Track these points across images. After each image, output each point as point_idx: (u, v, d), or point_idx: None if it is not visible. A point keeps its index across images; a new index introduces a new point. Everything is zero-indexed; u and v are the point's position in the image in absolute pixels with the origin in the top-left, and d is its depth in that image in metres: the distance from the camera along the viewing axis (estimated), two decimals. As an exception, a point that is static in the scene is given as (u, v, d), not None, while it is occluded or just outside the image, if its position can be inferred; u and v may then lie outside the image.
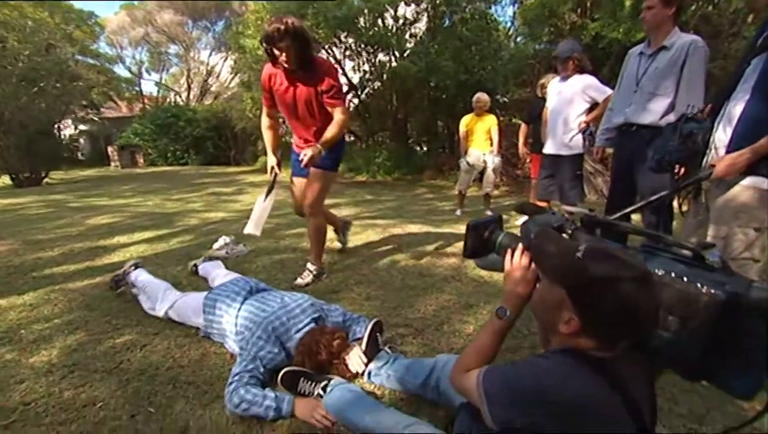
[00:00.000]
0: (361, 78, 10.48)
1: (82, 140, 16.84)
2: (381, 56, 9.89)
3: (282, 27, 2.16)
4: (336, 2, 8.06)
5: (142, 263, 2.61)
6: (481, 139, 5.07)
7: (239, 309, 1.80)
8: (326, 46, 9.81)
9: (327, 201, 6.74)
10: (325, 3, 8.03)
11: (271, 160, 2.65)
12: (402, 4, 9.34)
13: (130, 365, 1.77)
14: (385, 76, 9.81)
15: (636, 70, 2.36)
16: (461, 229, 4.24)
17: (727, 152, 1.49)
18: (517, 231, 1.12)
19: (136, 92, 19.78)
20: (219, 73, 21.60)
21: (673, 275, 0.78)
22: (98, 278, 2.77)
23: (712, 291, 0.74)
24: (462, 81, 8.40)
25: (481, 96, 5.07)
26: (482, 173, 5.17)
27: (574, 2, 8.06)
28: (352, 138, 12.31)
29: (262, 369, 1.55)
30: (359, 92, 10.80)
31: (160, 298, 2.16)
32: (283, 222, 4.53)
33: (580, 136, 3.29)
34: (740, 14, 6.78)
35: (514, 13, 10.72)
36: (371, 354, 1.63)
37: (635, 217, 2.49)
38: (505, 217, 4.79)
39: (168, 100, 21.71)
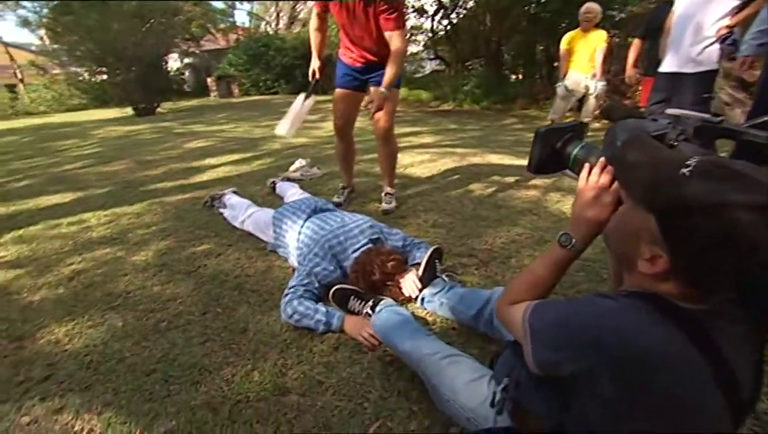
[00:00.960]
0: (451, -3, 9.56)
1: (187, 73, 18.11)
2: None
3: None
4: None
5: (239, 191, 2.79)
6: (584, 60, 4.29)
7: (302, 226, 1.83)
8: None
9: (406, 129, 6.54)
10: None
11: (315, 63, 2.57)
12: None
13: (205, 270, 1.93)
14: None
15: None
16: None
17: None
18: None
19: (230, 23, 20.37)
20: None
21: None
22: (189, 194, 3.03)
23: None
24: (568, -8, 7.20)
25: (591, 6, 4.21)
26: (581, 100, 4.50)
27: None
28: (440, 65, 11.58)
29: (317, 284, 1.58)
30: (449, 12, 9.91)
31: (242, 211, 2.32)
32: (359, 147, 4.46)
33: (715, 46, 2.58)
34: None
35: None
36: (427, 279, 1.57)
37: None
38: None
39: (259, 29, 22.11)
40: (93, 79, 11.21)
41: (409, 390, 1.18)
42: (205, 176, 3.57)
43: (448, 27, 10.32)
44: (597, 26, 4.30)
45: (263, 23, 22.79)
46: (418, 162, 3.63)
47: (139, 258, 2.09)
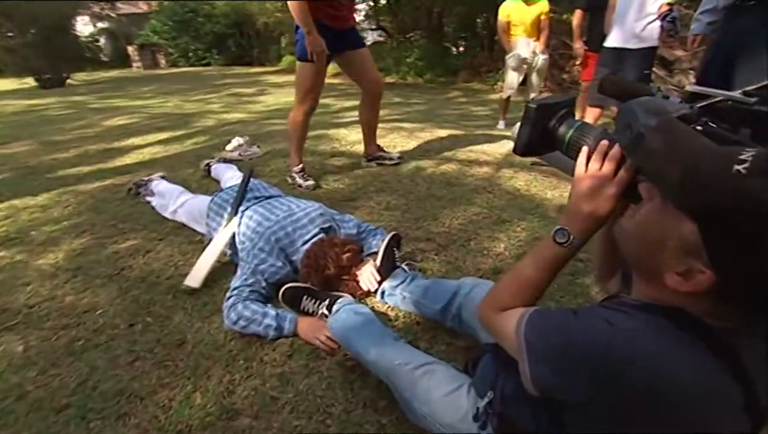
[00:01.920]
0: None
1: (102, 39, 16.23)
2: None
3: None
4: None
5: (168, 175, 2.46)
6: (526, 32, 4.05)
7: (242, 216, 1.62)
8: None
9: (347, 103, 6.30)
10: None
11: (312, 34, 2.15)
12: None
13: (131, 272, 1.67)
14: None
15: None
16: (496, 134, 3.83)
17: None
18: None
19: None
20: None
21: None
22: (108, 181, 2.66)
23: None
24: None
25: None
26: (524, 78, 4.34)
27: None
28: (382, 36, 11.25)
29: (264, 284, 1.40)
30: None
31: (174, 199, 2.05)
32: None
33: (657, 23, 2.64)
34: None
35: None
36: (386, 270, 1.44)
37: None
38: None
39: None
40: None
41: (375, 400, 1.07)
42: (128, 159, 3.16)
43: (390, -2, 9.99)
44: None
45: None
46: (365, 139, 3.45)
47: (45, 262, 1.77)
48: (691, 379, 0.49)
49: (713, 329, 0.51)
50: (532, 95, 4.19)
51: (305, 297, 1.36)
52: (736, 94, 0.55)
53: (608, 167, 0.63)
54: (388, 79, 9.16)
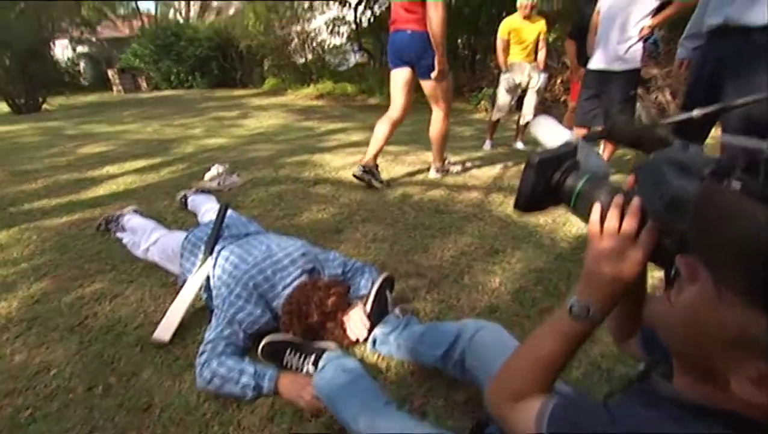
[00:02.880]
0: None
1: (82, 64, 16.02)
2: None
3: None
4: None
5: (141, 209, 2.31)
6: (525, 50, 3.97)
7: (217, 256, 1.49)
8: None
9: (331, 126, 6.24)
10: None
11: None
12: None
13: (95, 321, 1.52)
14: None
15: None
16: (482, 157, 3.79)
17: None
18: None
19: (132, 10, 18.39)
20: (220, -14, 19.84)
21: None
22: (77, 215, 2.49)
23: None
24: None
25: None
26: (521, 96, 4.16)
27: None
28: (365, 56, 11.34)
29: (242, 335, 1.27)
30: (372, 4, 9.68)
31: (146, 236, 1.90)
32: (285, 148, 4.12)
33: (639, 45, 2.64)
34: None
35: None
36: (377, 316, 1.33)
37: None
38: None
39: (169, 17, 20.32)
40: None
41: (367, 475, 0.94)
42: (101, 190, 3.00)
43: (371, 19, 10.09)
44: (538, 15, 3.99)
45: (171, 11, 20.91)
46: (350, 164, 3.35)
47: (-2, 311, 1.60)
48: None
49: None
50: (528, 118, 4.12)
51: (288, 351, 1.23)
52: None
53: (629, 225, 0.54)
54: (372, 101, 9.18)
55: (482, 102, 7.96)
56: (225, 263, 1.45)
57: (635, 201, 0.55)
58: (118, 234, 2.11)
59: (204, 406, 1.15)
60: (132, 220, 2.12)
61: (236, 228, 1.69)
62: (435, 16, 2.37)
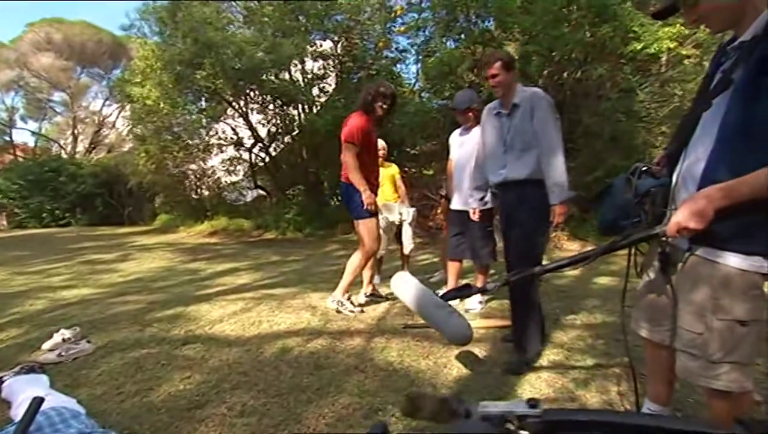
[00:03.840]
0: (269, 132, 10.07)
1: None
2: (290, 110, 9.63)
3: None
4: (234, 53, 7.65)
5: None
6: (389, 190, 4.51)
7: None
8: (230, 99, 9.33)
9: (219, 267, 5.97)
10: (223, 53, 7.60)
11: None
12: (309, 59, 9.29)
13: None
14: (295, 129, 9.50)
15: (500, 130, 2.38)
16: (371, 292, 3.84)
17: None
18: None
19: (4, 141, 17.25)
20: (114, 125, 19.86)
21: None
22: None
23: None
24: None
25: (380, 143, 4.34)
26: (398, 232, 4.60)
27: (471, 62, 8.54)
28: (261, 193, 11.65)
29: None
30: (267, 146, 10.33)
31: None
32: (158, 299, 3.74)
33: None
34: (603, 80, 7.56)
35: (417, 70, 11.12)
36: None
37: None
38: (428, 277, 4.28)
39: (51, 151, 19.35)
40: None
41: None
42: None
43: (267, 159, 10.66)
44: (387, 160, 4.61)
45: (55, 145, 19.97)
46: (229, 315, 3.12)
47: None
48: None
49: None
50: (409, 248, 4.41)
51: None
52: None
53: None
54: (268, 236, 9.23)
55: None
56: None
57: None
58: None
59: None
60: None
61: (48, 427, 1.37)
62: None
